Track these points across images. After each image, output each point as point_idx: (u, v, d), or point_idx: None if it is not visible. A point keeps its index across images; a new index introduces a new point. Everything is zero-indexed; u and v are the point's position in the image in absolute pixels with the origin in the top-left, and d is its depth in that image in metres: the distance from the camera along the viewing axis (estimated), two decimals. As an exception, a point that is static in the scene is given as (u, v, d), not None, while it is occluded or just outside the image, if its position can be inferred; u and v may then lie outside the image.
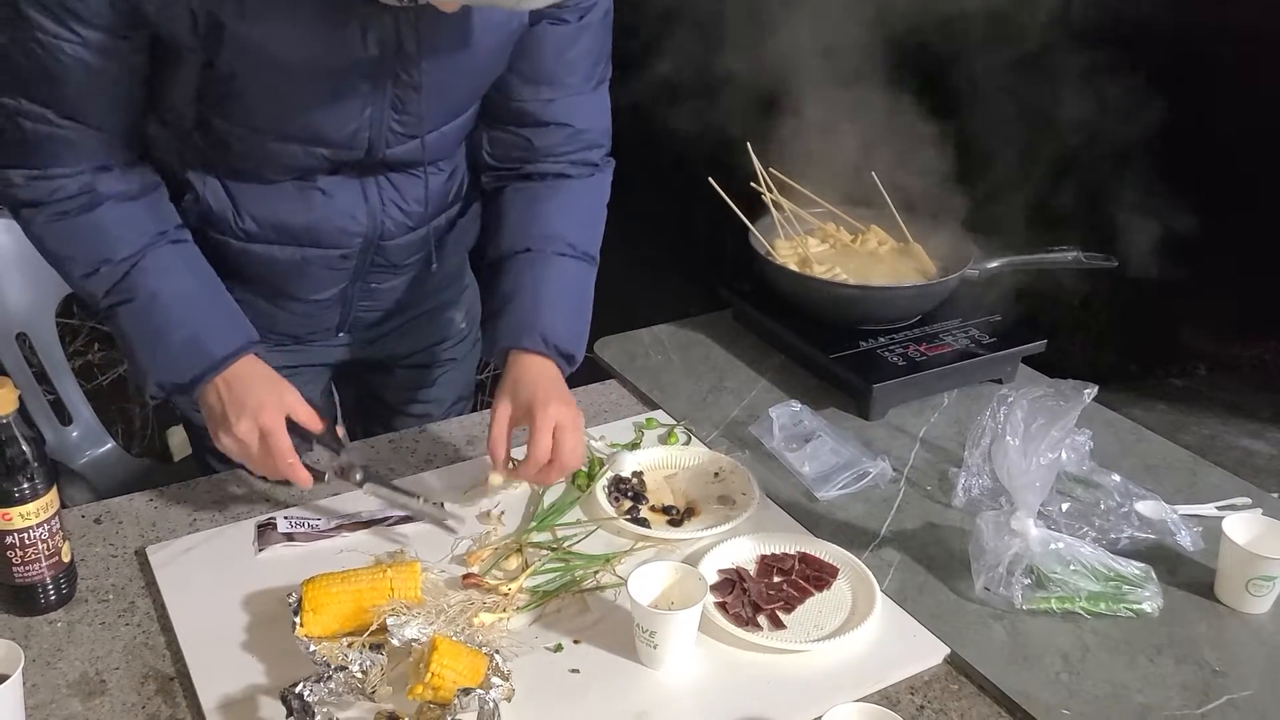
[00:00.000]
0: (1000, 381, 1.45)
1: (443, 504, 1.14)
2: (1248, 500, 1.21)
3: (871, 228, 1.60)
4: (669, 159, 1.85)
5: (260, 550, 1.09)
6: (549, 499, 1.18)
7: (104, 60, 1.00)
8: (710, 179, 1.54)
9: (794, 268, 1.49)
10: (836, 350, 1.40)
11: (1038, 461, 0.96)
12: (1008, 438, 0.98)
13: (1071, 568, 1.04)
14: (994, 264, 1.49)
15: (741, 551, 1.10)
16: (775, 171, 1.61)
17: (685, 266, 1.74)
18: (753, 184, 1.59)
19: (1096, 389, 0.98)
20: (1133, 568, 1.06)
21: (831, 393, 1.40)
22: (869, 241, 1.57)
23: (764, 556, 1.10)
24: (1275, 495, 1.24)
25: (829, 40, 1.69)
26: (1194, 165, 2.10)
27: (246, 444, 1.04)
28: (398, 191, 1.20)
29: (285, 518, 1.13)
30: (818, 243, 1.58)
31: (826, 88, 1.64)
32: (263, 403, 1.05)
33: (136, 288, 1.08)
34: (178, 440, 2.06)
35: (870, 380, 1.34)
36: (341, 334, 1.34)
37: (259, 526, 1.12)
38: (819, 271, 1.49)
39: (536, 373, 1.13)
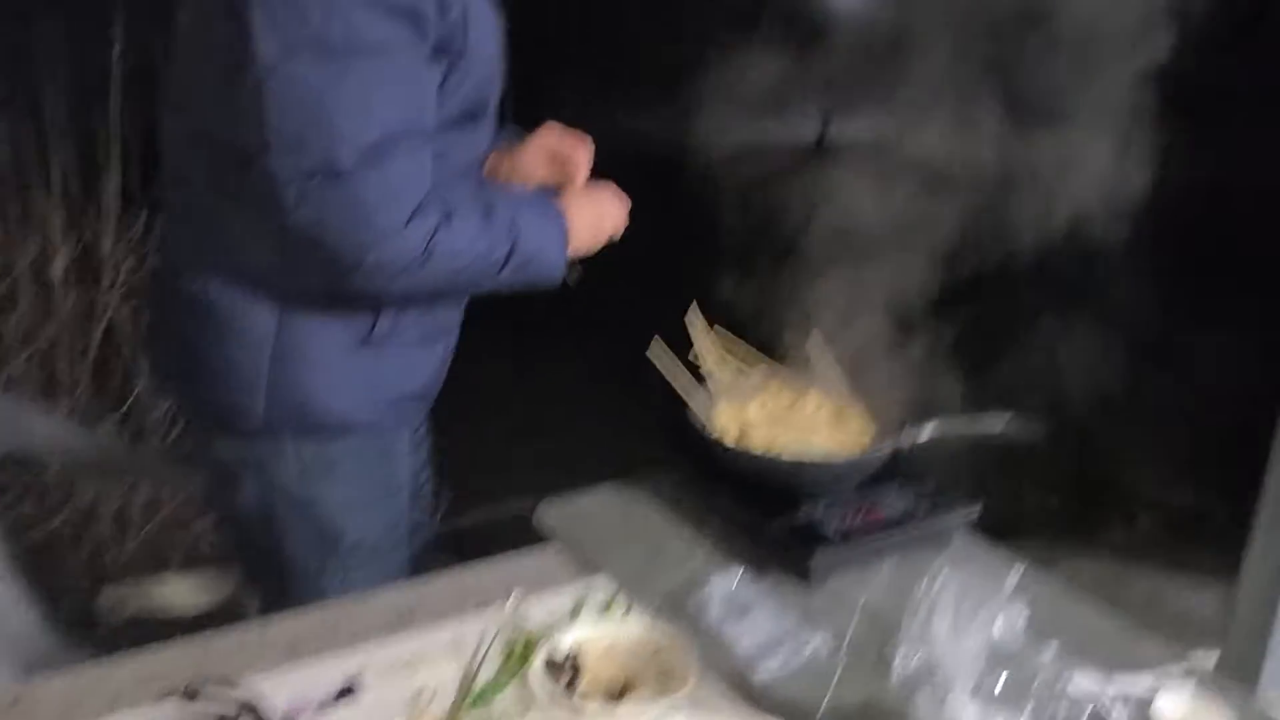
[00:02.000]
0: (939, 547, 1.46)
1: None
2: (1183, 670, 1.22)
3: (810, 392, 1.63)
4: (617, 317, 1.90)
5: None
6: (483, 676, 1.16)
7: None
8: (651, 350, 1.57)
9: (732, 439, 1.51)
10: (776, 519, 1.41)
11: (968, 642, 0.97)
12: (937, 617, 0.99)
13: (1009, 750, 1.04)
14: (929, 429, 1.52)
15: (679, 733, 1.08)
16: (715, 338, 1.65)
17: (636, 424, 1.77)
18: (692, 353, 1.63)
19: (1024, 569, 1.00)
20: (1070, 748, 1.05)
21: (770, 559, 1.41)
22: (807, 405, 1.61)
23: (702, 738, 1.08)
24: (1212, 663, 1.26)
25: (765, 217, 1.78)
26: (1133, 324, 2.20)
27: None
28: None
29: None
30: (757, 408, 1.61)
31: (769, 253, 1.70)
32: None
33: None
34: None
35: (809, 549, 1.35)
36: None
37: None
38: (757, 440, 1.51)
39: None
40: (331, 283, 1.29)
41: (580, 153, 1.51)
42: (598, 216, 1.47)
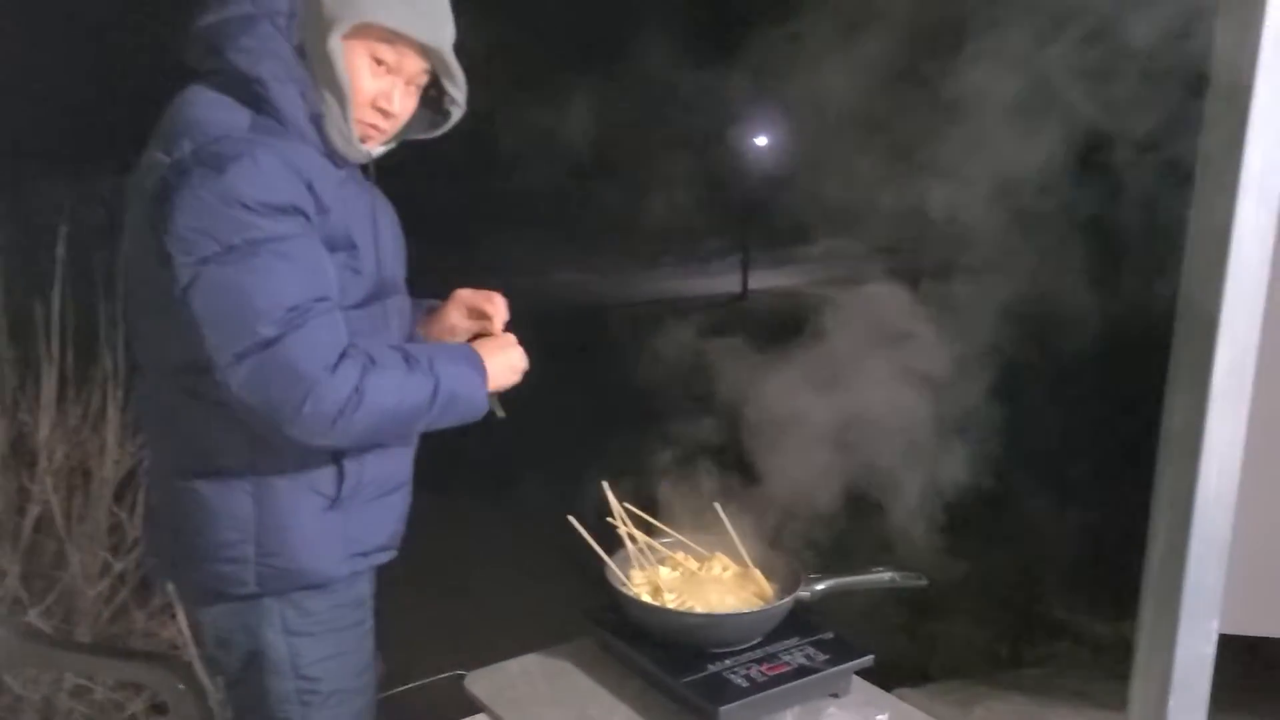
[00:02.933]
0: (836, 695, 1.60)
1: None
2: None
3: (716, 555, 1.79)
4: (539, 498, 2.05)
5: None
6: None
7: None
8: (570, 517, 1.72)
9: (647, 598, 1.65)
10: (687, 674, 1.54)
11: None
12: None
13: None
14: (822, 585, 1.68)
15: None
16: (630, 507, 1.81)
17: (563, 591, 1.89)
18: (608, 519, 1.78)
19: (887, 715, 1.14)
20: None
21: (685, 715, 1.53)
22: (714, 568, 1.76)
23: None
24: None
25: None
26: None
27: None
28: None
29: None
30: (669, 571, 1.75)
31: (674, 429, 1.89)
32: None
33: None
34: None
35: (717, 704, 1.47)
36: None
37: None
38: (669, 600, 1.65)
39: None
40: (286, 436, 1.45)
41: (496, 302, 1.74)
42: (507, 356, 1.65)
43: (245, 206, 1.40)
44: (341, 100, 1.51)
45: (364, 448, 1.57)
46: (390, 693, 2.59)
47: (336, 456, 1.56)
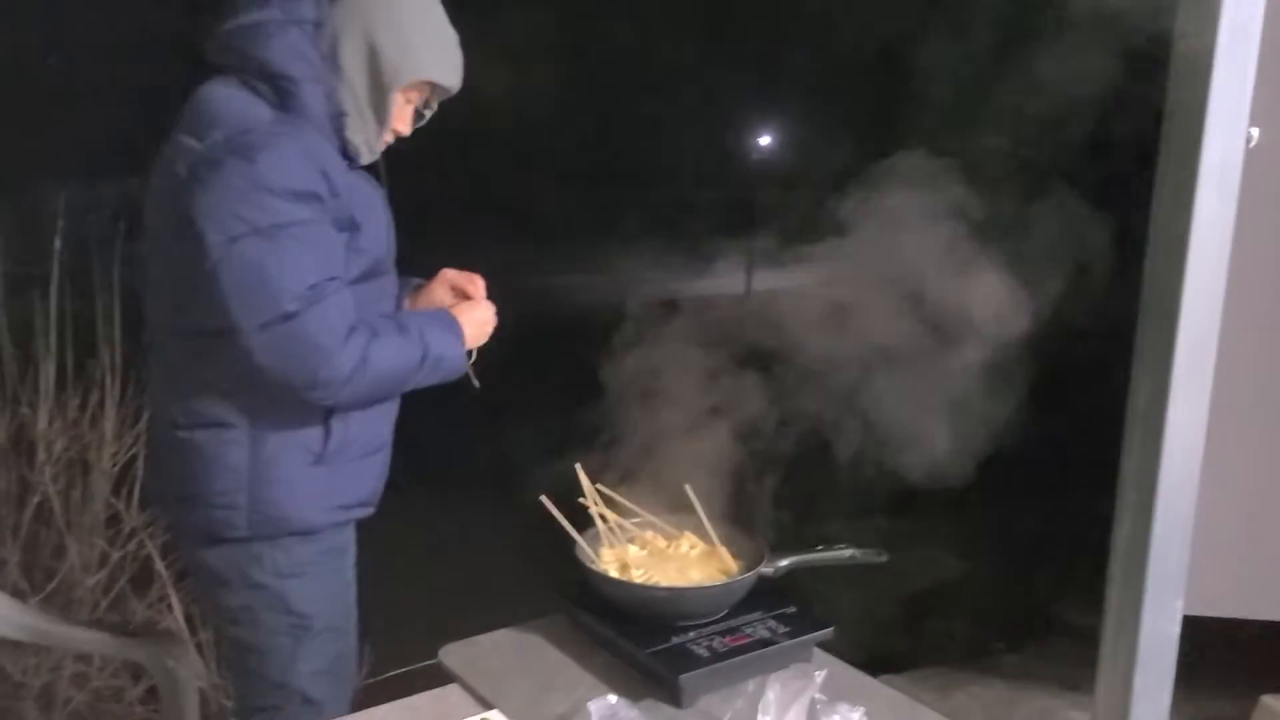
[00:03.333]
0: (799, 664, 1.65)
1: None
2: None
3: (684, 534, 1.84)
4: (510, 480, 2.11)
5: None
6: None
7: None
8: (542, 497, 1.78)
9: (614, 574, 1.71)
10: (651, 645, 1.59)
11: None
12: (763, 718, 1.18)
13: (835, 833, 1.21)
14: (785, 562, 1.74)
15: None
16: (602, 488, 1.86)
17: (538, 570, 1.95)
18: (580, 499, 1.83)
19: (826, 671, 1.19)
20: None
21: (649, 685, 1.58)
22: (681, 545, 1.81)
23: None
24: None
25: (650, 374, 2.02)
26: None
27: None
28: None
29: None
30: (637, 549, 1.81)
31: (647, 413, 1.94)
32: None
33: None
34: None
35: (678, 672, 1.53)
36: None
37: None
38: (636, 576, 1.71)
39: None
40: (298, 398, 1.68)
41: (477, 283, 1.95)
42: (478, 314, 1.90)
43: (272, 192, 1.60)
44: (382, 126, 1.79)
45: (349, 410, 1.77)
46: (377, 679, 2.65)
47: (325, 417, 1.75)
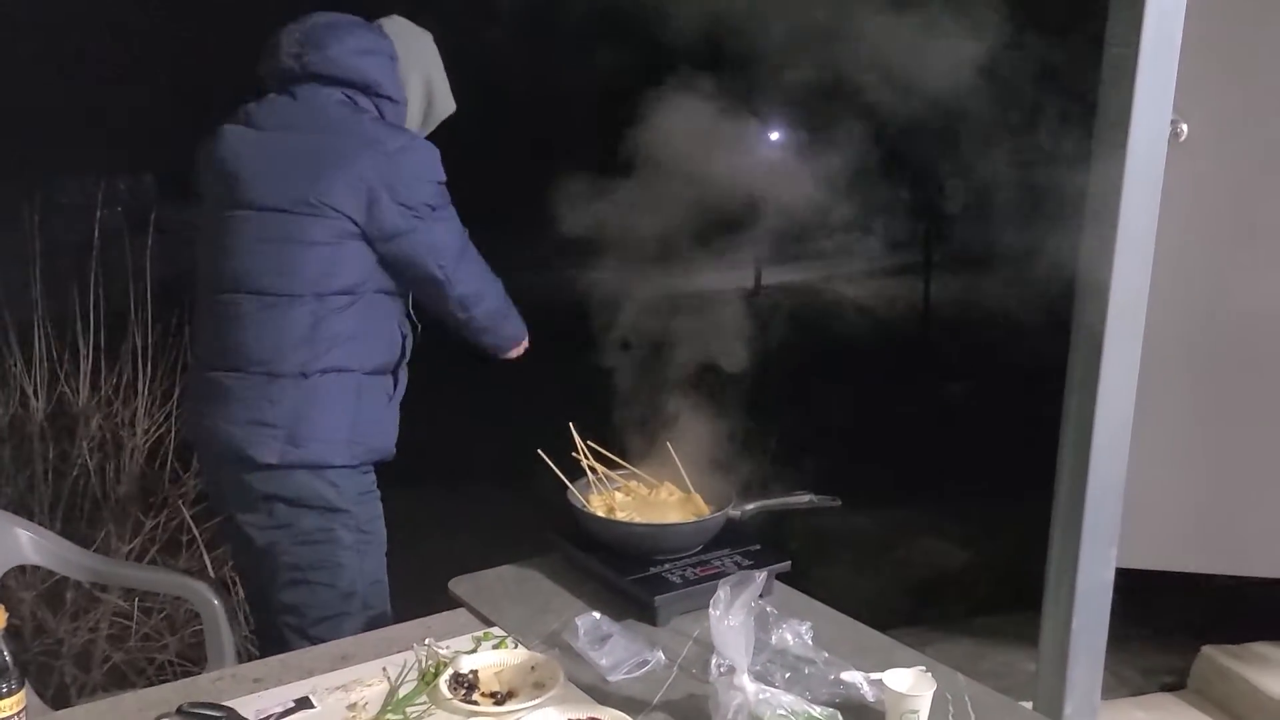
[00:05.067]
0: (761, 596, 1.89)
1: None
2: (922, 667, 1.64)
3: (664, 483, 2.09)
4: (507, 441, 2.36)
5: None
6: (403, 691, 1.55)
7: None
8: (540, 451, 2.03)
9: (601, 514, 1.96)
10: (631, 574, 1.84)
11: (731, 623, 1.40)
12: (714, 612, 1.42)
13: (779, 712, 1.45)
14: (751, 506, 1.98)
15: (548, 718, 1.48)
16: (593, 444, 2.11)
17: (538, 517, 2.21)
18: (574, 454, 2.08)
19: (765, 571, 1.44)
20: (823, 710, 1.47)
21: (629, 606, 1.83)
22: (661, 493, 2.06)
23: (564, 721, 1.48)
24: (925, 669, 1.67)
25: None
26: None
27: None
28: None
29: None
30: (622, 496, 2.05)
31: (629, 385, 2.19)
32: None
33: None
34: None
35: (654, 593, 1.78)
36: None
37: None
38: (620, 517, 1.95)
39: None
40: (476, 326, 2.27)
41: None
42: None
43: (438, 183, 2.12)
44: None
45: (401, 368, 2.24)
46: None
47: (394, 370, 2.20)
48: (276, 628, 2.17)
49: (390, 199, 2.05)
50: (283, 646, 2.06)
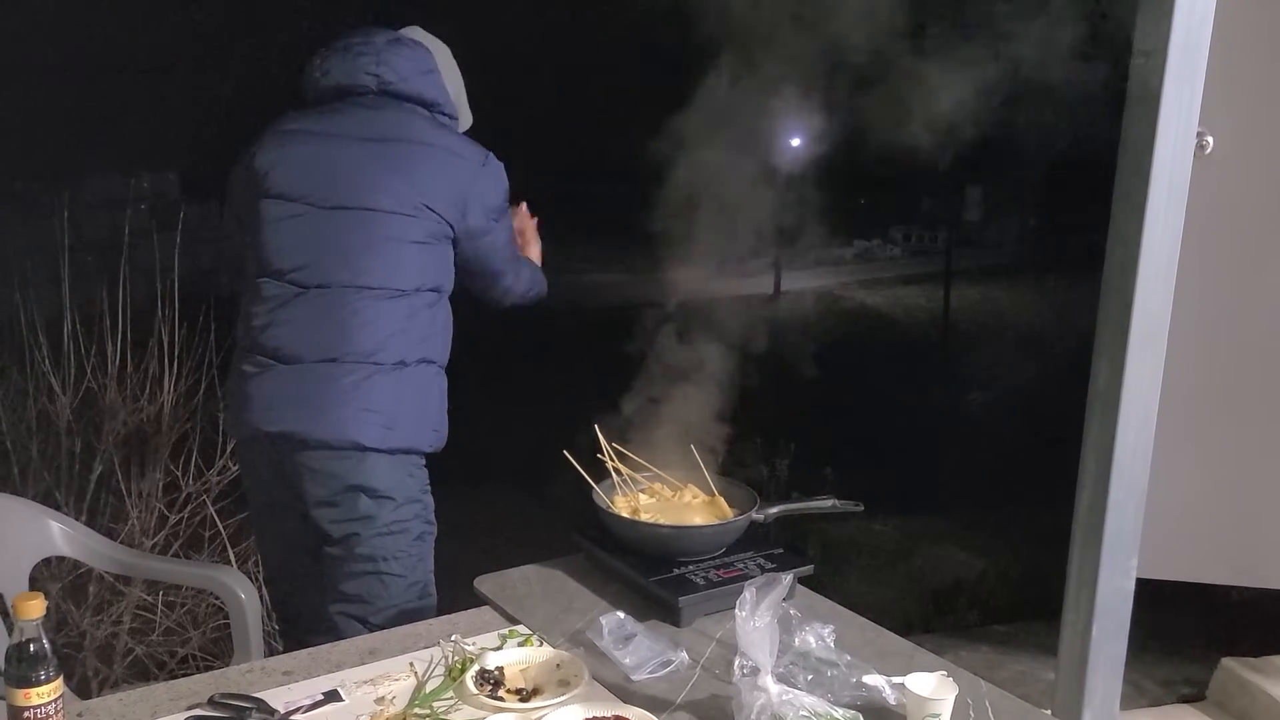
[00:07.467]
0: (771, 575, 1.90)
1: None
2: (943, 672, 1.65)
3: (688, 486, 2.10)
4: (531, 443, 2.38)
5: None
6: (430, 686, 1.57)
7: None
8: (566, 453, 2.05)
9: (626, 515, 1.97)
10: (655, 575, 1.86)
11: (756, 625, 1.42)
12: (740, 613, 1.44)
13: (801, 713, 1.47)
14: (775, 509, 2.00)
15: (572, 716, 1.50)
16: (618, 446, 2.13)
17: (561, 518, 2.23)
18: (599, 455, 2.10)
19: (791, 574, 1.45)
20: (845, 712, 1.49)
21: (653, 608, 1.84)
22: (685, 496, 2.08)
23: (589, 719, 1.50)
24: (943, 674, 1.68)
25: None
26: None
27: None
28: None
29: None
30: (646, 498, 2.07)
31: (653, 388, 2.21)
32: None
33: None
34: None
35: (678, 595, 1.79)
36: None
37: None
38: (645, 519, 1.97)
39: None
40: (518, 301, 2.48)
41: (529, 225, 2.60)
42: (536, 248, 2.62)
43: (506, 190, 2.31)
44: None
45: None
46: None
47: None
48: (328, 619, 2.15)
49: (479, 205, 2.24)
50: (334, 637, 2.05)
